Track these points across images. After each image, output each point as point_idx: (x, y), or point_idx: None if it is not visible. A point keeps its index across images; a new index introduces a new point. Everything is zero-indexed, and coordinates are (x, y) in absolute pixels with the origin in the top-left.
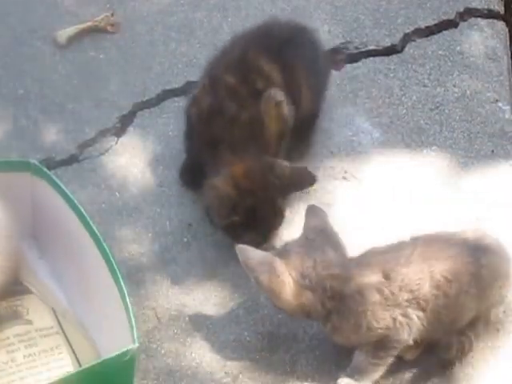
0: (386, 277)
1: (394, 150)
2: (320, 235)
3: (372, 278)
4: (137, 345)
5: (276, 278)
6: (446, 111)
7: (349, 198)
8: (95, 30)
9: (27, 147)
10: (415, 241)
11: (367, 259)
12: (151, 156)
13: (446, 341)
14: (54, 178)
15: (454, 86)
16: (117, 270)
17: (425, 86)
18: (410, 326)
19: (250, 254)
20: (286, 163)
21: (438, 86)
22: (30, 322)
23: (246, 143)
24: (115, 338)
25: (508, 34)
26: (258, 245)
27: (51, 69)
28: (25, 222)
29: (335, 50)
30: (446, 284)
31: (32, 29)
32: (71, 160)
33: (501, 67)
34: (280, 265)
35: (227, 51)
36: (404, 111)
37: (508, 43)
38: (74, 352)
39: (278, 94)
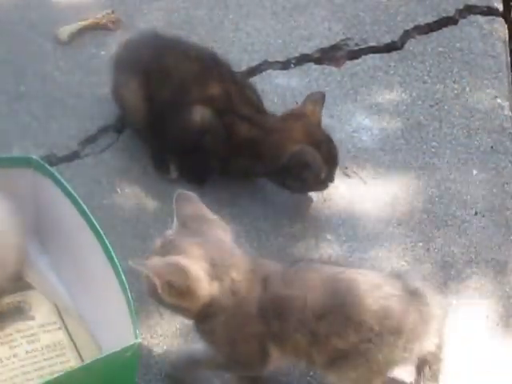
0: None
1: (394, 146)
2: (201, 221)
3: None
4: (139, 340)
5: (191, 275)
6: (446, 107)
7: (349, 194)
8: (96, 27)
9: (29, 143)
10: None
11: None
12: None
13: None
14: (55, 174)
15: (454, 82)
16: (118, 265)
17: (424, 82)
18: None
19: (151, 264)
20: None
21: (438, 82)
22: (32, 318)
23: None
24: (117, 334)
25: (507, 31)
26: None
27: (53, 65)
28: (27, 218)
29: (335, 47)
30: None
31: (33, 26)
32: (73, 156)
33: (500, 64)
34: (188, 261)
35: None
36: (404, 107)
37: (507, 40)
38: (76, 347)
39: None
